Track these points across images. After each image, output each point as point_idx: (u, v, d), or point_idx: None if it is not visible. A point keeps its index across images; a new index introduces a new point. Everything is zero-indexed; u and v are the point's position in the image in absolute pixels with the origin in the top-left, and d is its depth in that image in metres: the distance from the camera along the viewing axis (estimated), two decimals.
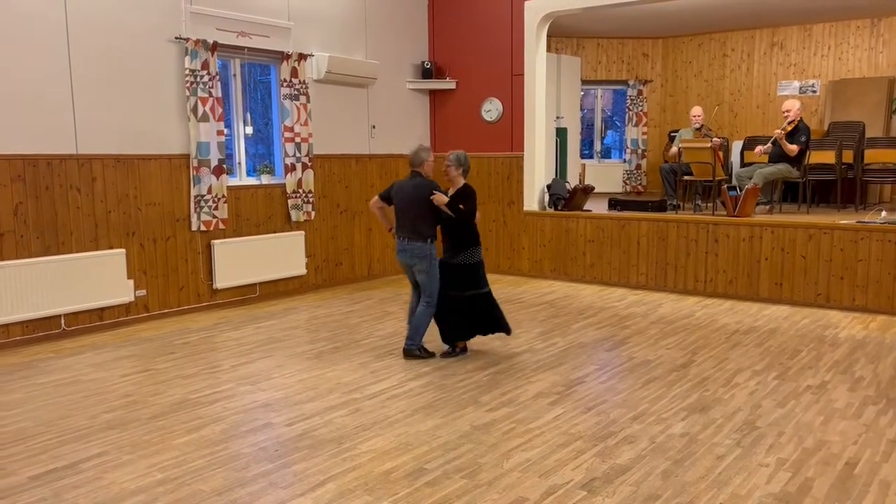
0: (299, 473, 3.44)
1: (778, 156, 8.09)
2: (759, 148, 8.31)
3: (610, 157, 12.58)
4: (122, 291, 6.29)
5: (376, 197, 5.35)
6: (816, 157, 8.23)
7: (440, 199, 5.06)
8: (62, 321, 5.96)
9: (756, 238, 7.20)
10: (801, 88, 10.73)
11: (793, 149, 7.91)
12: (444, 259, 5.26)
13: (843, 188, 8.48)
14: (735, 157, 9.77)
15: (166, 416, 4.20)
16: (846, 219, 7.14)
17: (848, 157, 8.41)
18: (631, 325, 6.34)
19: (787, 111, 8.07)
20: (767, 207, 8.25)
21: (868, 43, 10.24)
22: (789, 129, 7.98)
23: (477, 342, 5.75)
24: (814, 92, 10.65)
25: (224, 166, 6.88)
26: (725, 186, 7.78)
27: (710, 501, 3.13)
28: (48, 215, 5.85)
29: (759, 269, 7.20)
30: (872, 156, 8.39)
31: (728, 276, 7.37)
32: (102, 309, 6.21)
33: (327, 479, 3.37)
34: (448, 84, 8.99)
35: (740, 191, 7.63)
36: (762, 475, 3.39)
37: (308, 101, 7.59)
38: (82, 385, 4.77)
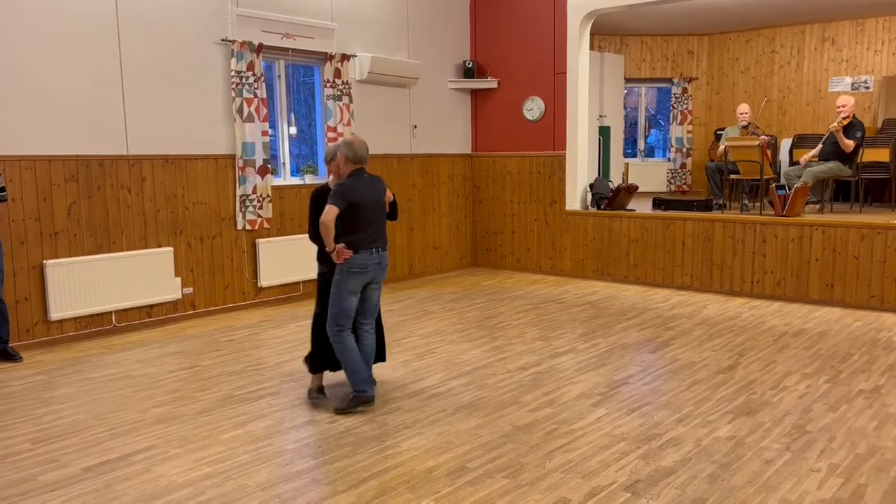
0: (342, 470, 3.47)
1: (829, 154, 7.88)
2: (804, 157, 8.09)
3: (654, 156, 12.41)
4: (170, 289, 6.42)
5: (336, 210, 4.05)
6: (870, 154, 7.99)
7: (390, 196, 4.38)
8: (113, 318, 6.11)
9: (805, 238, 7.02)
10: (853, 84, 10.43)
11: (849, 144, 7.70)
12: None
13: None
14: (784, 156, 9.54)
15: (213, 411, 4.28)
16: None
17: None
18: (675, 326, 6.24)
19: (843, 106, 7.84)
20: (817, 207, 8.03)
21: None
22: (844, 123, 7.76)
23: (517, 341, 5.74)
24: (867, 88, 10.34)
25: (269, 166, 6.98)
26: (773, 185, 7.60)
27: None
28: (100, 214, 6.02)
29: (809, 270, 7.02)
30: None
31: (776, 277, 7.21)
32: (151, 306, 6.35)
33: (370, 477, 3.39)
34: (490, 83, 8.98)
35: (789, 190, 7.45)
36: (813, 480, 3.30)
37: (351, 101, 7.66)
38: (132, 380, 4.89)
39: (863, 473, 3.38)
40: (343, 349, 4.22)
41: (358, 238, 4.15)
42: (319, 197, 4.27)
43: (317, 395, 4.45)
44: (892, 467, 3.43)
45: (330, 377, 4.67)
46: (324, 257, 4.34)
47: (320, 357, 4.45)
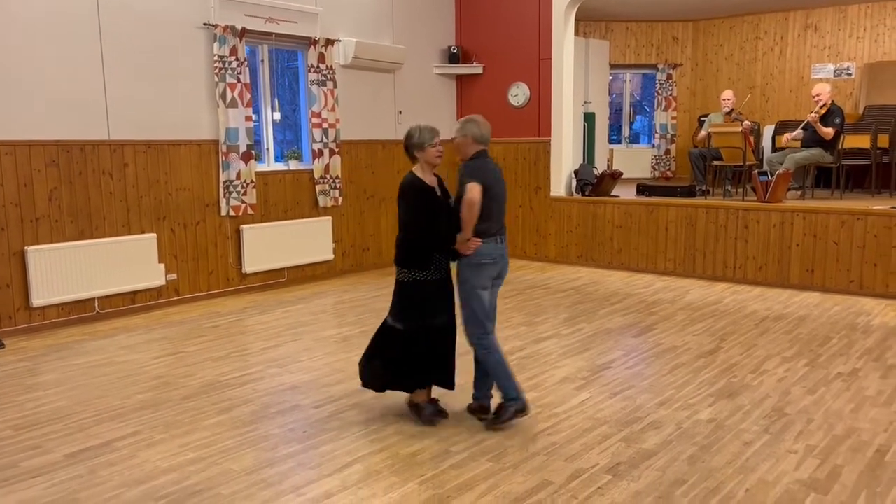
0: (327, 454, 3.48)
1: (811, 140, 7.94)
2: (786, 136, 8.16)
3: (638, 143, 12.46)
4: (154, 275, 6.39)
5: (480, 188, 3.59)
6: (851, 141, 8.06)
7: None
8: (96, 304, 6.08)
9: (787, 224, 7.09)
10: (835, 71, 10.50)
11: (828, 132, 7.76)
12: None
13: (878, 173, 8.30)
14: (766, 142, 9.61)
15: (197, 397, 4.28)
16: (880, 204, 7.00)
17: (883, 141, 8.23)
18: (658, 311, 6.30)
19: (818, 95, 7.90)
20: (799, 193, 8.11)
21: None
22: (822, 112, 7.83)
23: (502, 326, 5.78)
24: (849, 75, 10.42)
25: (252, 152, 6.94)
26: (756, 171, 7.66)
27: (737, 487, 3.12)
28: (81, 200, 5.96)
29: (790, 256, 7.10)
30: None
31: (758, 263, 7.28)
32: (134, 293, 6.32)
33: (354, 461, 3.41)
34: (475, 69, 8.96)
35: (771, 176, 7.51)
36: (790, 461, 3.36)
37: (335, 86, 7.61)
38: (116, 366, 4.88)
39: (839, 454, 3.44)
40: (494, 355, 3.76)
41: (488, 226, 3.66)
42: (420, 191, 3.66)
43: (437, 413, 3.88)
44: (869, 448, 3.50)
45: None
46: (412, 261, 3.69)
47: (418, 371, 3.78)
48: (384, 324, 3.84)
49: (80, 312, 6.00)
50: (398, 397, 4.22)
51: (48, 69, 5.68)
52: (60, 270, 5.80)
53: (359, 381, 4.05)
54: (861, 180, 8.77)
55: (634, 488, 3.12)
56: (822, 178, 8.75)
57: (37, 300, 5.70)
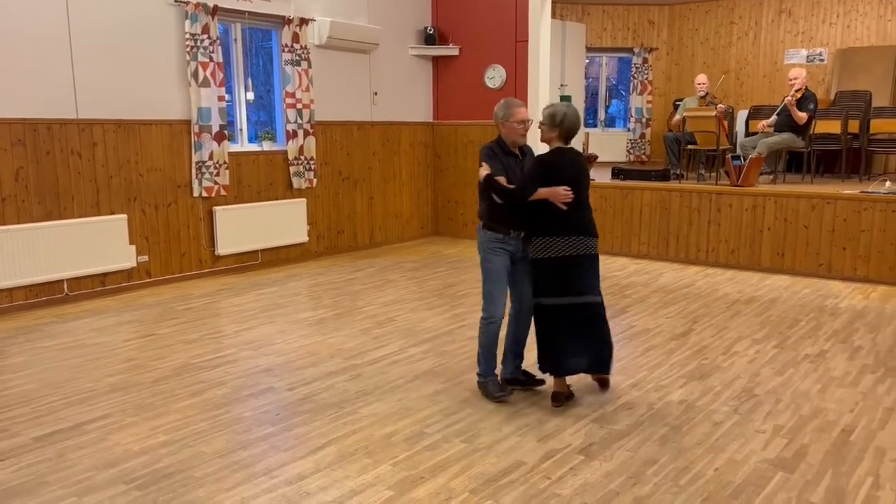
0: (300, 437, 3.47)
1: (783, 125, 8.02)
2: (761, 123, 8.23)
3: (614, 126, 12.49)
4: (125, 257, 6.30)
5: None
6: (822, 126, 8.16)
7: (482, 170, 4.17)
8: (65, 286, 5.98)
9: (759, 208, 7.17)
10: (808, 57, 10.60)
11: (802, 116, 7.84)
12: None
13: (849, 158, 8.42)
14: (740, 127, 9.69)
15: (169, 380, 4.24)
16: (850, 189, 7.10)
17: (854, 126, 8.35)
18: (631, 293, 6.35)
19: (794, 79, 7.97)
20: (771, 177, 8.20)
21: (877, 11, 10.09)
22: (798, 96, 7.90)
23: (477, 309, 5.80)
24: (821, 60, 10.52)
25: (225, 132, 6.85)
26: (729, 156, 7.73)
27: (707, 466, 3.17)
28: (49, 180, 5.84)
29: (762, 239, 7.19)
30: (878, 126, 8.32)
31: (730, 246, 7.36)
32: (105, 274, 6.22)
33: (328, 443, 3.40)
34: (451, 50, 8.90)
35: (744, 160, 7.58)
36: (759, 441, 3.42)
37: (310, 66, 7.52)
38: (85, 349, 4.81)
39: (806, 434, 3.50)
40: None
41: None
42: None
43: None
44: (834, 428, 3.57)
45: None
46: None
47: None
48: (597, 306, 4.06)
49: (49, 294, 5.90)
50: (376, 380, 4.22)
51: (13, 46, 5.54)
52: (28, 251, 5.69)
53: (336, 363, 4.05)
54: (831, 165, 8.89)
55: (606, 468, 3.15)
56: (794, 163, 8.86)
57: (3, 282, 5.59)
